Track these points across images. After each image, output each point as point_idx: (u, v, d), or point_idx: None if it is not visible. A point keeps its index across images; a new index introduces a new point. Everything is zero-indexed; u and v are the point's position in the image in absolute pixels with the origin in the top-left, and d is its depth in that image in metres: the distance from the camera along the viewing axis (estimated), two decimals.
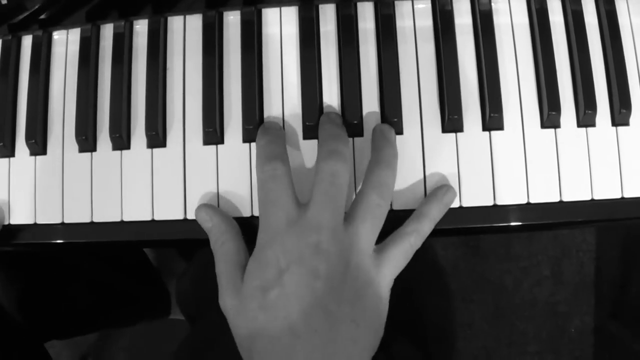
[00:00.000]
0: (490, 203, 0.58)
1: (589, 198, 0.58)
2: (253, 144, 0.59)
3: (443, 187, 0.57)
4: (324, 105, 0.60)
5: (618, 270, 1.70)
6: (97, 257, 1.27)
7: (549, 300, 1.70)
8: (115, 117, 0.60)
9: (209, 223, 0.59)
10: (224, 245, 0.58)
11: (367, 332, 0.54)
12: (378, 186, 0.55)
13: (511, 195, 0.58)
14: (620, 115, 0.58)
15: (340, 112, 0.60)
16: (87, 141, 0.60)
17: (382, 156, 0.56)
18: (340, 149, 0.55)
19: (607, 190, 0.58)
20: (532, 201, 0.58)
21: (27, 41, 0.65)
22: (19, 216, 0.63)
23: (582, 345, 1.71)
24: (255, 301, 0.54)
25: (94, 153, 0.61)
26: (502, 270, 1.65)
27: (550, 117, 0.58)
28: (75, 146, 0.61)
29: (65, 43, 0.64)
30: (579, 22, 0.60)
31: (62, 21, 0.64)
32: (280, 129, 0.58)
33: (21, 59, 0.65)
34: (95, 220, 0.60)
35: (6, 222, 0.63)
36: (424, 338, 0.94)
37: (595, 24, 0.61)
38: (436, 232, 0.58)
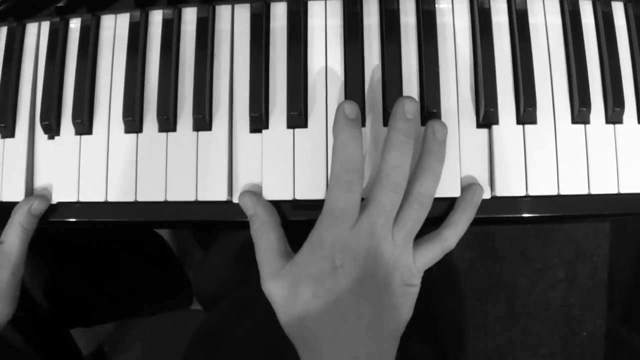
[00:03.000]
0: (523, 193, 0.60)
1: (615, 191, 0.60)
2: (297, 130, 0.62)
3: (471, 188, 0.62)
4: (365, 97, 0.62)
5: (631, 276, 1.71)
6: (122, 247, 1.29)
7: (563, 304, 1.72)
8: (163, 100, 0.62)
9: (251, 210, 0.63)
10: (265, 234, 0.62)
11: (402, 313, 0.61)
12: (421, 196, 0.59)
13: (542, 186, 0.60)
14: None
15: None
16: (133, 122, 0.62)
17: (430, 164, 0.59)
18: (402, 162, 0.59)
19: (633, 185, 0.60)
20: (562, 192, 0.60)
21: (75, 24, 0.68)
22: (63, 194, 0.65)
23: (594, 349, 1.72)
24: (309, 288, 0.60)
25: (139, 134, 0.63)
26: (517, 272, 1.66)
27: (580, 113, 0.60)
28: (121, 127, 0.64)
29: (114, 28, 0.67)
30: (609, 23, 0.63)
31: (110, 6, 0.66)
32: (359, 125, 0.59)
33: (69, 42, 0.67)
34: (139, 199, 0.63)
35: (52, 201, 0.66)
36: (438, 337, 0.96)
37: (623, 26, 0.63)
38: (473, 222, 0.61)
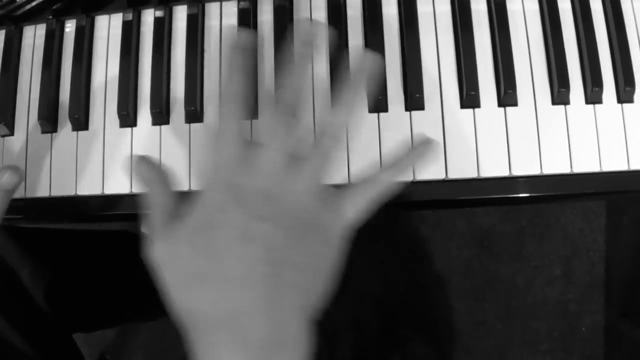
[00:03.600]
0: (506, 174, 0.61)
1: (597, 170, 0.61)
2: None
3: (423, 140, 0.52)
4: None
5: (628, 270, 1.72)
6: (124, 250, 1.31)
7: (561, 300, 1.71)
8: (156, 95, 0.65)
9: (147, 173, 0.53)
10: (162, 195, 0.53)
11: (312, 280, 0.49)
12: (332, 127, 0.51)
13: (525, 166, 0.61)
14: (625, 92, 0.62)
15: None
16: (128, 116, 0.65)
17: (344, 98, 0.51)
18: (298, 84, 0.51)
19: (614, 163, 0.62)
20: (545, 172, 0.61)
21: (70, 26, 0.70)
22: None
23: (593, 344, 1.73)
24: (191, 243, 0.49)
25: (134, 128, 0.66)
26: (514, 270, 1.67)
27: (560, 93, 0.62)
28: (116, 122, 0.66)
29: (108, 28, 0.69)
30: (586, 7, 0.65)
31: (104, 7, 0.69)
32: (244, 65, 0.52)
33: (64, 42, 0.70)
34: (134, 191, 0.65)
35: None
36: (437, 337, 0.96)
37: (600, 10, 0.65)
38: (455, 203, 0.62)
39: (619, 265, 1.74)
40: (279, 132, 0.50)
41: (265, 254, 0.48)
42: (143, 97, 0.66)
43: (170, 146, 0.64)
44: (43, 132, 0.67)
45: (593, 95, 0.62)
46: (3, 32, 0.71)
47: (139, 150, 0.65)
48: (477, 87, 0.62)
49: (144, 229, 0.54)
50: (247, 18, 0.65)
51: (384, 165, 0.52)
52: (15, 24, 0.70)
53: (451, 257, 1.65)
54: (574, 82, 0.62)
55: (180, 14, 0.67)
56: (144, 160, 0.53)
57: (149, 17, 0.67)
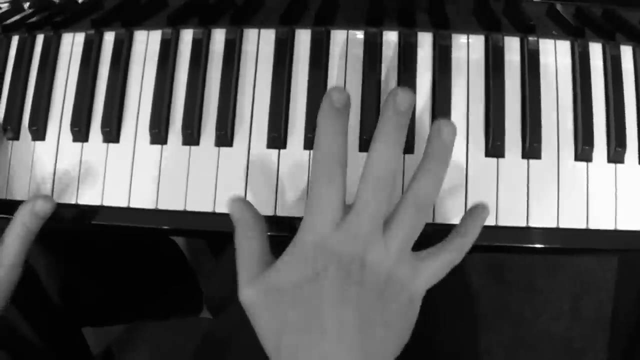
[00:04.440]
0: (524, 224, 0.63)
1: (612, 227, 0.63)
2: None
3: (479, 206, 0.58)
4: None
5: (635, 312, 1.73)
6: (138, 251, 1.32)
7: (566, 335, 1.74)
8: (189, 115, 0.66)
9: (238, 214, 0.58)
10: (250, 241, 0.57)
11: (397, 335, 0.55)
12: (418, 198, 0.54)
13: (543, 218, 0.63)
14: None
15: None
16: (159, 134, 0.66)
17: (430, 164, 0.54)
18: (388, 155, 0.53)
19: (630, 222, 0.63)
20: (561, 225, 0.62)
21: (109, 37, 0.71)
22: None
23: None
24: (287, 296, 0.54)
25: (164, 146, 0.67)
26: (523, 302, 1.69)
27: (584, 151, 0.63)
28: (147, 138, 0.67)
29: (146, 42, 0.71)
30: (617, 66, 0.65)
31: (144, 22, 0.70)
32: (345, 116, 0.54)
33: (102, 53, 0.71)
34: (160, 207, 0.66)
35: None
36: None
37: (631, 69, 0.66)
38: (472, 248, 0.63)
39: (626, 306, 1.74)
40: (374, 200, 0.53)
41: (359, 313, 0.53)
42: (176, 117, 0.67)
43: (199, 167, 0.66)
44: (74, 140, 0.69)
45: (616, 155, 0.63)
46: (42, 36, 0.72)
47: (164, 167, 0.67)
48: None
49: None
50: (284, 48, 0.67)
51: (459, 233, 0.57)
52: (55, 30, 0.72)
53: (461, 282, 1.66)
54: (598, 142, 0.64)
55: (219, 36, 0.68)
56: (238, 201, 0.58)
57: (187, 36, 0.69)
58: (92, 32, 0.71)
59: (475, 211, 0.58)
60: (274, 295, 0.55)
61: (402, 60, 0.65)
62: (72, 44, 0.72)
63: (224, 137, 0.65)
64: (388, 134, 0.53)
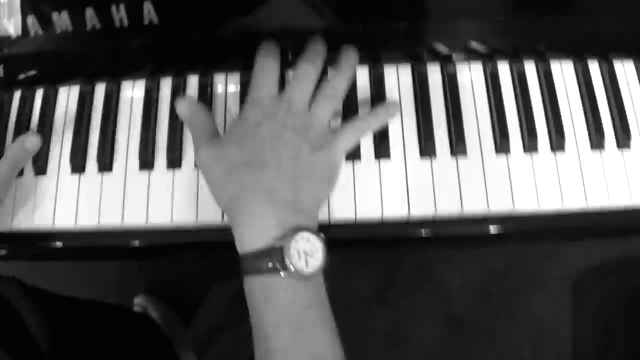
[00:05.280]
0: (458, 210, 0.76)
1: (536, 208, 0.76)
2: None
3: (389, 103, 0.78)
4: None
5: (594, 349, 1.81)
6: (121, 321, 1.40)
7: None
8: (171, 144, 0.80)
9: (190, 106, 0.76)
10: (202, 115, 0.75)
11: (321, 177, 0.71)
12: (334, 81, 0.75)
13: (474, 204, 0.76)
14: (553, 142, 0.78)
15: None
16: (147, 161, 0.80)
17: (343, 68, 0.76)
18: (312, 62, 0.74)
19: (551, 202, 0.76)
20: (491, 210, 0.76)
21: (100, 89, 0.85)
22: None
23: None
24: (234, 145, 0.70)
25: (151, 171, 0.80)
26: (485, 349, 1.75)
27: (502, 144, 0.77)
28: (136, 165, 0.80)
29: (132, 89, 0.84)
30: (523, 79, 0.81)
31: (130, 73, 0.84)
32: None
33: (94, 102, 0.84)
34: (150, 222, 0.78)
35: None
36: None
37: (536, 81, 0.81)
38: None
39: (585, 346, 1.82)
40: (305, 79, 0.73)
41: (292, 152, 0.69)
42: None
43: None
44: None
45: (530, 144, 0.77)
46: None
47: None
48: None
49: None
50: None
51: (371, 114, 0.76)
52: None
53: (423, 337, 1.74)
54: (513, 135, 0.78)
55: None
56: (183, 99, 0.76)
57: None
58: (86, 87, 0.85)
59: (383, 105, 0.78)
60: (224, 148, 0.70)
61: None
62: (68, 97, 0.85)
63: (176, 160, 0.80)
64: (313, 53, 0.75)
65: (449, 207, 0.75)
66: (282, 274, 0.64)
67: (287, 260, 0.63)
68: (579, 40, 0.81)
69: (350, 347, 0.72)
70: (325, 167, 0.71)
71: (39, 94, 0.85)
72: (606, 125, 0.79)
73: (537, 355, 1.81)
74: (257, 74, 0.74)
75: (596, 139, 0.78)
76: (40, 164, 0.81)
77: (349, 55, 0.77)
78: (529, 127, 0.77)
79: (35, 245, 0.81)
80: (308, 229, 0.66)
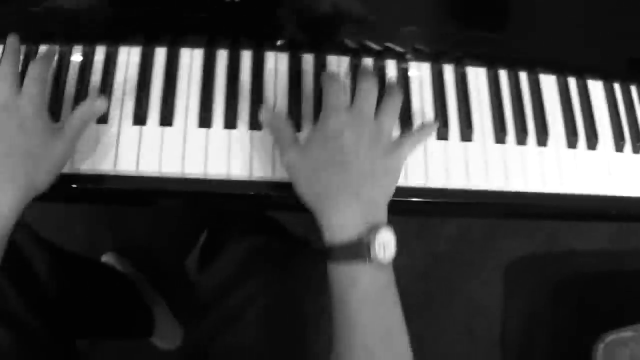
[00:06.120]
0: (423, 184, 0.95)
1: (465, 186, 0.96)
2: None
3: (428, 122, 0.94)
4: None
5: (519, 329, 2.01)
6: (96, 273, 1.55)
7: (464, 353, 1.99)
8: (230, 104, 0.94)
9: (270, 117, 0.86)
10: (282, 123, 0.85)
11: (390, 177, 0.82)
12: (392, 96, 0.86)
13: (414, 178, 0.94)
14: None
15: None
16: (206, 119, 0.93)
17: (391, 83, 0.90)
18: (371, 81, 0.84)
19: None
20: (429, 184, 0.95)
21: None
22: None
23: None
24: (319, 149, 0.80)
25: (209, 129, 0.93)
26: (424, 327, 1.87)
27: (440, 131, 0.96)
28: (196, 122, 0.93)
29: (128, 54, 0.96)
30: (464, 79, 1.01)
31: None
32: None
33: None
34: (209, 172, 0.91)
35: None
36: None
37: (481, 81, 1.02)
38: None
39: (512, 324, 2.01)
40: (370, 93, 0.84)
41: (369, 156, 0.80)
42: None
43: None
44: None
45: (466, 134, 0.98)
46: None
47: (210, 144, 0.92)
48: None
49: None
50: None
51: (424, 127, 0.88)
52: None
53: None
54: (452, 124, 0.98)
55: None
56: (266, 110, 0.86)
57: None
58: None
59: (425, 123, 0.90)
60: (310, 150, 0.80)
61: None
62: (128, 55, 0.96)
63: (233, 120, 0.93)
64: (368, 75, 0.85)
65: None
66: (367, 262, 0.75)
67: (371, 251, 0.74)
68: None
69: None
70: (394, 169, 0.82)
71: (101, 51, 0.95)
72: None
73: (471, 332, 1.98)
74: (332, 87, 0.83)
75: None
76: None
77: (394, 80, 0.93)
78: (466, 119, 0.99)
79: (101, 187, 0.89)
80: (385, 224, 0.78)
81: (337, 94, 0.82)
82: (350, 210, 0.77)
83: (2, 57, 0.85)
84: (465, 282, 2.02)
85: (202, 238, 1.76)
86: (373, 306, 0.75)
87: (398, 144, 0.83)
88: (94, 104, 0.84)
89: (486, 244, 2.06)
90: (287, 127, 0.84)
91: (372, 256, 0.74)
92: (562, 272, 2.07)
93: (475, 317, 2.00)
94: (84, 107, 0.83)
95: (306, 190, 0.80)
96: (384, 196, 0.81)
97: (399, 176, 0.84)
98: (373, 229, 0.75)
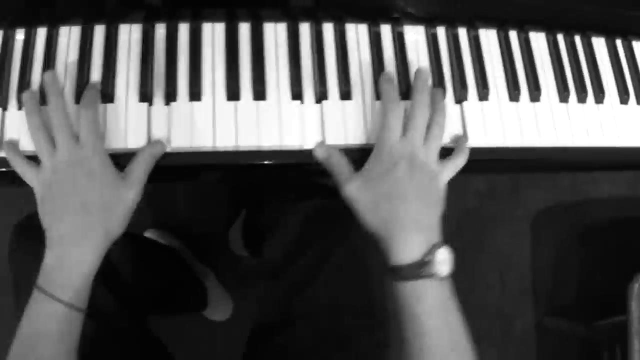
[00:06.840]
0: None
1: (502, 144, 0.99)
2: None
3: (463, 138, 0.96)
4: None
5: (550, 277, 2.07)
6: (166, 254, 1.62)
7: (497, 304, 2.04)
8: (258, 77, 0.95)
9: (325, 154, 0.91)
10: (337, 156, 0.90)
11: (437, 201, 0.88)
12: (437, 121, 0.91)
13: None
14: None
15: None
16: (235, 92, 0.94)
17: (437, 104, 0.92)
18: (425, 100, 0.91)
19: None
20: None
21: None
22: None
23: (527, 340, 2.04)
24: (377, 180, 0.85)
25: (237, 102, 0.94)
26: (457, 278, 1.91)
27: (460, 93, 0.99)
28: (224, 95, 0.94)
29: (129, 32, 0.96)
30: (457, 42, 1.03)
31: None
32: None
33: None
34: (240, 144, 0.92)
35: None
36: (382, 325, 1.11)
37: (466, 42, 1.05)
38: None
39: (543, 273, 2.06)
40: (420, 121, 0.89)
41: (422, 184, 0.86)
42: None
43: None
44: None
45: (461, 95, 1.00)
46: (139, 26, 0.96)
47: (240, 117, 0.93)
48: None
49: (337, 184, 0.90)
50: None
51: (459, 150, 0.93)
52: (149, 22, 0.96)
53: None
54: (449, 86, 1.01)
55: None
56: (321, 146, 0.91)
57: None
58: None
59: (462, 140, 0.95)
60: (368, 183, 0.86)
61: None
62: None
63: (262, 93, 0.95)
64: (423, 94, 0.91)
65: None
66: (430, 278, 0.82)
67: (434, 269, 0.82)
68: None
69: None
70: (440, 193, 0.89)
71: (137, 29, 0.96)
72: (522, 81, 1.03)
73: (504, 283, 2.05)
74: (391, 119, 0.88)
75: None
76: (143, 90, 0.92)
77: (440, 96, 0.94)
78: (461, 81, 1.01)
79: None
80: (442, 244, 0.84)
81: (398, 122, 0.89)
82: (412, 236, 0.84)
83: (48, 103, 0.85)
84: (494, 235, 2.08)
85: (243, 214, 1.80)
86: (442, 312, 0.83)
87: (441, 169, 0.89)
88: (154, 147, 0.87)
89: (512, 197, 2.10)
90: (342, 161, 0.90)
91: (435, 273, 0.82)
92: (585, 220, 2.12)
93: (506, 268, 2.06)
94: (146, 152, 0.86)
95: (369, 221, 0.87)
96: (437, 217, 0.87)
97: (443, 196, 0.89)
98: (433, 249, 0.83)
